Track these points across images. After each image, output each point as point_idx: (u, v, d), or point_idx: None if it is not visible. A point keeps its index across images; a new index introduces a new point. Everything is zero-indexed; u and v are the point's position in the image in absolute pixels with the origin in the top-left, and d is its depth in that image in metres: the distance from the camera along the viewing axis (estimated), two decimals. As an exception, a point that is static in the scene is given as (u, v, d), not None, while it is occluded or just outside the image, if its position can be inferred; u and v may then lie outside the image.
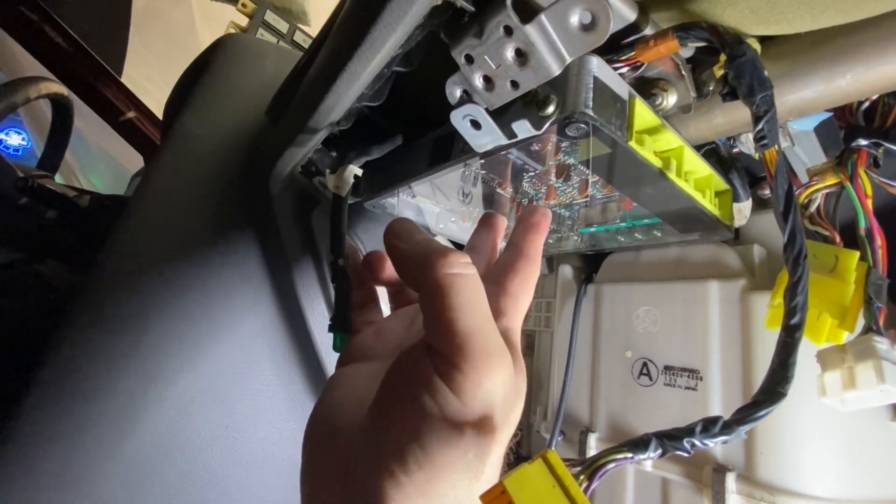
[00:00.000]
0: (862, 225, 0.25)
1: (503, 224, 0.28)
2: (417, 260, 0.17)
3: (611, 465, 0.17)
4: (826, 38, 0.22)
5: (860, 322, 0.24)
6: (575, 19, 0.16)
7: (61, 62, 0.92)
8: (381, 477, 0.15)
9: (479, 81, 0.19)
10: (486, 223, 0.27)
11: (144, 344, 0.37)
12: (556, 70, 0.17)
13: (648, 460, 0.17)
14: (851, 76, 0.22)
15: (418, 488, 0.14)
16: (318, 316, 0.41)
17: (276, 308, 0.41)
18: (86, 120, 0.99)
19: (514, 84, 0.18)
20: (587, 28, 0.16)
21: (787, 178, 0.19)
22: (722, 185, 0.29)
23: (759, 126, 0.19)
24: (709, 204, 0.28)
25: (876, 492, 0.28)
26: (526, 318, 0.51)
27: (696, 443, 0.17)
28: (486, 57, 0.18)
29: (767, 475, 0.28)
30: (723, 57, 0.20)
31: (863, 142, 0.26)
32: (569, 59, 0.17)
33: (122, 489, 0.36)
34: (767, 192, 0.37)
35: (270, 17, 0.61)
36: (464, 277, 0.16)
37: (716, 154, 0.32)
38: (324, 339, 0.41)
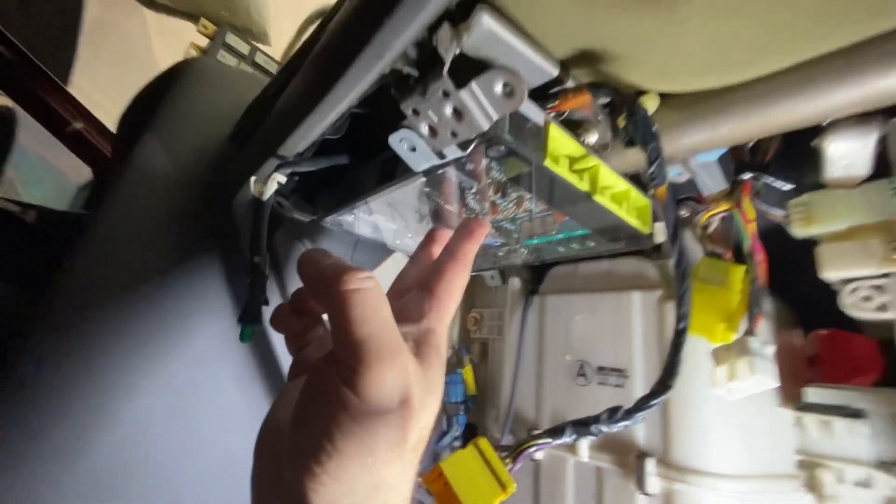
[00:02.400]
0: (745, 245, 0.31)
1: (447, 237, 0.30)
2: (322, 281, 0.19)
3: (533, 449, 0.20)
4: (710, 95, 0.27)
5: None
6: (498, 88, 0.20)
7: (1, 69, 0.89)
8: (302, 475, 0.17)
9: (424, 129, 0.23)
10: (430, 237, 0.29)
11: (101, 365, 0.38)
12: (486, 126, 0.21)
13: (564, 444, 0.21)
14: (730, 126, 0.27)
15: (332, 476, 0.17)
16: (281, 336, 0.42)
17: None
18: (27, 130, 0.95)
19: (454, 134, 0.22)
20: (508, 95, 0.20)
21: (674, 210, 0.24)
22: (642, 199, 0.34)
23: (651, 169, 0.24)
24: (627, 215, 0.32)
25: (767, 467, 0.33)
26: (480, 327, 0.55)
27: (603, 428, 0.21)
28: (429, 112, 0.22)
29: (680, 458, 0.33)
30: (623, 115, 0.24)
31: (746, 175, 0.32)
32: (495, 118, 0.21)
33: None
34: (683, 211, 0.43)
35: (231, 38, 0.62)
36: (360, 292, 0.18)
37: (637, 179, 0.37)
38: (287, 356, 0.43)
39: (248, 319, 0.28)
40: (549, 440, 0.21)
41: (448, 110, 0.21)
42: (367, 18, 0.17)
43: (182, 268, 0.42)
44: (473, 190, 0.35)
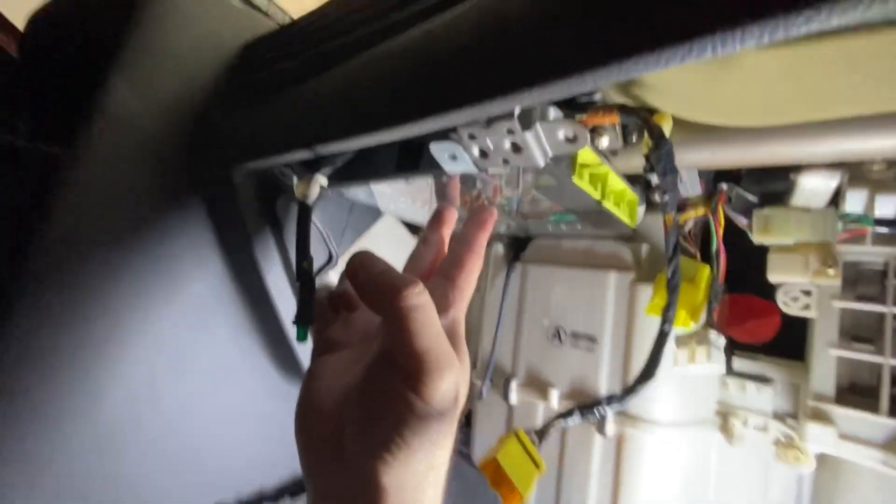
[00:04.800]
0: (713, 246, 0.36)
1: (454, 217, 0.32)
2: (378, 293, 0.21)
3: (552, 430, 0.26)
4: (713, 127, 0.30)
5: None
6: (561, 134, 0.21)
7: None
8: (374, 460, 0.20)
9: (475, 151, 0.24)
10: (438, 218, 0.31)
11: (90, 327, 0.37)
12: (542, 163, 0.23)
13: (572, 424, 0.27)
14: (728, 154, 0.31)
15: (401, 462, 0.20)
16: (284, 299, 0.42)
17: (238, 287, 0.43)
18: None
19: (506, 161, 0.24)
20: (570, 140, 0.22)
21: (675, 234, 0.28)
22: (632, 195, 0.38)
23: (665, 198, 0.27)
24: (621, 213, 0.36)
25: (695, 415, 0.42)
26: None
27: (603, 411, 0.27)
28: (487, 139, 0.23)
29: (634, 409, 0.41)
30: (647, 141, 0.27)
31: (724, 185, 0.36)
32: (551, 155, 0.23)
33: (94, 458, 0.38)
34: (657, 197, 0.48)
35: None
36: (418, 307, 0.20)
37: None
38: (287, 311, 0.44)
39: (304, 321, 0.30)
40: (563, 421, 0.26)
41: (507, 144, 0.22)
42: (540, 64, 0.15)
43: (169, 223, 0.41)
44: (485, 179, 0.37)
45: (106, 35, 0.42)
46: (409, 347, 0.20)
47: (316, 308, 0.29)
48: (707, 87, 0.24)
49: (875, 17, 0.11)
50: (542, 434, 0.25)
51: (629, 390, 0.27)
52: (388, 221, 0.51)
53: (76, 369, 0.37)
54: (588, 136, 0.21)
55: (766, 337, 0.41)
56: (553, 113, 0.21)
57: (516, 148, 0.22)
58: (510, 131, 0.21)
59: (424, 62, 0.20)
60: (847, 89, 0.21)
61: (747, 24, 0.11)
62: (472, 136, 0.23)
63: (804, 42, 0.18)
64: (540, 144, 0.22)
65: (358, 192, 0.47)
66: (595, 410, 0.27)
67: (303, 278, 0.30)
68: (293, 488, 0.51)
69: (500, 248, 0.53)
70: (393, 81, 0.21)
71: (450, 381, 0.21)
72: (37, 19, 0.61)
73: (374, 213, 0.50)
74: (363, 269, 0.22)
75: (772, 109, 0.24)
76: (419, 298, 0.20)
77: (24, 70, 0.64)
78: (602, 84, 0.14)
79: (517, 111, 0.21)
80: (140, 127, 0.40)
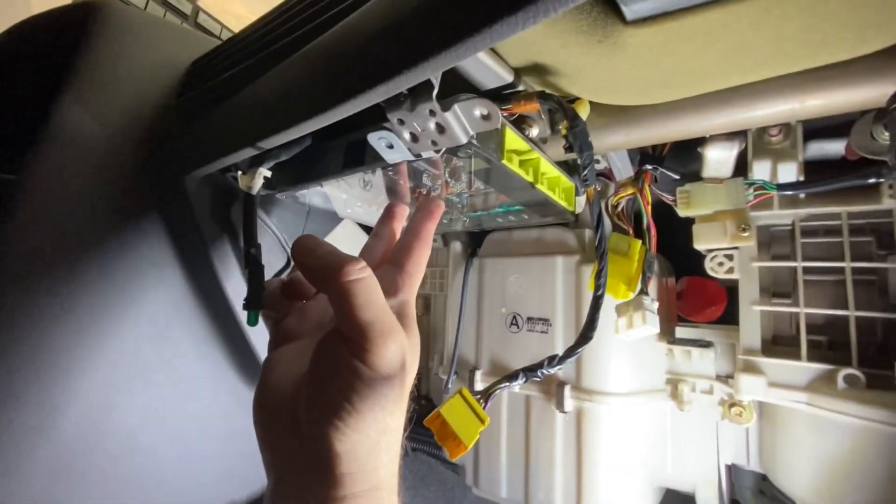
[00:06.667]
0: (644, 221, 0.39)
1: (405, 212, 0.34)
2: (322, 272, 0.22)
3: (496, 391, 0.27)
4: (627, 109, 0.33)
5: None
6: (477, 112, 0.24)
7: None
8: (325, 426, 0.22)
9: (407, 136, 0.26)
10: (388, 213, 0.33)
11: (45, 345, 0.37)
12: (464, 140, 0.25)
13: (518, 386, 0.28)
14: (640, 133, 0.34)
15: (352, 428, 0.22)
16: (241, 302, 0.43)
17: (198, 299, 0.43)
18: None
19: (434, 143, 0.26)
20: (485, 118, 0.24)
21: (598, 205, 0.31)
22: (568, 182, 0.41)
23: (584, 173, 0.30)
24: (557, 197, 0.39)
25: (646, 384, 0.45)
26: (423, 284, 0.60)
27: (545, 371, 0.29)
28: (414, 123, 0.25)
29: (588, 384, 0.43)
30: (565, 123, 0.30)
31: (648, 166, 0.40)
32: (472, 134, 0.25)
33: (53, 481, 0.37)
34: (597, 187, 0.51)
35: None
36: (360, 281, 0.21)
37: (565, 164, 0.44)
38: (244, 316, 0.45)
39: (253, 305, 0.31)
40: (507, 383, 0.28)
41: (432, 125, 0.25)
42: (416, 46, 0.18)
43: (126, 238, 0.41)
44: (430, 173, 0.39)
45: (56, 61, 0.44)
46: (353, 320, 0.21)
47: (270, 299, 0.30)
48: (605, 70, 0.27)
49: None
50: (486, 394, 0.26)
51: (568, 352, 0.29)
52: (346, 226, 0.53)
53: (33, 385, 0.36)
54: (499, 112, 0.24)
55: (717, 316, 0.45)
56: (465, 95, 0.24)
57: (441, 129, 0.25)
58: (432, 112, 0.24)
59: (338, 53, 0.22)
60: (718, 60, 0.24)
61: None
62: (401, 121, 0.25)
63: (671, 17, 0.21)
64: (460, 123, 0.24)
65: (314, 198, 0.48)
66: (538, 372, 0.29)
67: (251, 265, 0.32)
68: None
69: (458, 246, 0.55)
70: (313, 74, 0.24)
71: (394, 349, 0.22)
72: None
73: (332, 218, 0.52)
74: (308, 251, 0.23)
75: (664, 85, 0.28)
76: (361, 273, 0.22)
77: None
78: (479, 50, 0.17)
79: (435, 92, 0.23)
80: (95, 147, 0.40)
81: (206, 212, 0.40)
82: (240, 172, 0.33)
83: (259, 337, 0.46)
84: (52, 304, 0.38)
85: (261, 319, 0.33)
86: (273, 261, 0.46)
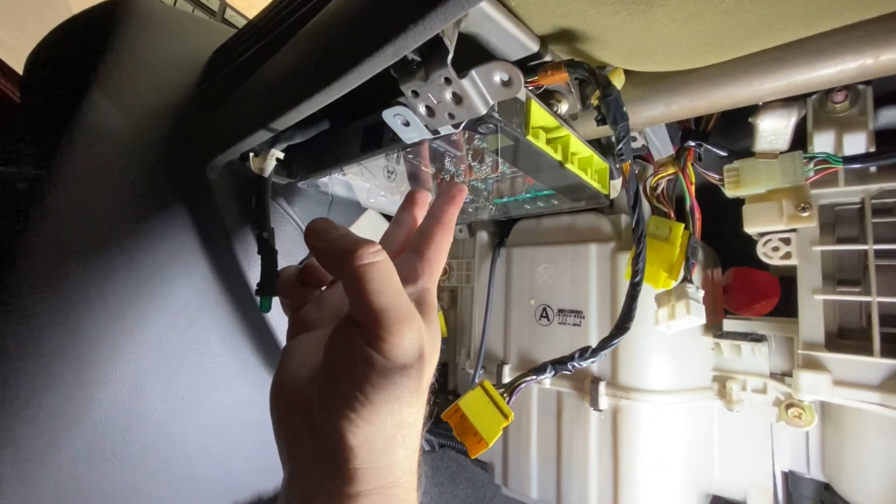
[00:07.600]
0: (687, 204, 0.36)
1: (427, 199, 0.32)
2: (335, 256, 0.21)
3: (522, 385, 0.25)
4: (667, 76, 0.30)
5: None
6: (497, 77, 0.22)
7: None
8: (338, 419, 0.20)
9: (422, 110, 0.24)
10: (410, 199, 0.31)
11: (77, 333, 0.38)
12: (483, 111, 0.23)
13: (547, 379, 0.26)
14: (682, 103, 0.31)
15: (366, 420, 0.20)
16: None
17: (223, 289, 0.43)
18: None
19: (451, 115, 0.24)
20: (506, 84, 0.22)
21: (635, 182, 0.28)
22: (601, 163, 0.38)
23: (619, 147, 0.27)
24: (590, 179, 0.36)
25: (690, 382, 0.41)
26: (450, 276, 0.59)
27: (576, 364, 0.26)
28: (429, 94, 0.23)
29: (625, 380, 0.40)
30: (597, 93, 0.27)
31: (691, 143, 0.36)
32: (492, 103, 0.23)
33: (84, 466, 0.38)
34: (636, 169, 0.48)
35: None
36: (374, 265, 0.20)
37: (598, 143, 0.41)
38: (272, 312, 0.44)
39: (266, 291, 0.30)
40: (534, 377, 0.25)
41: (448, 95, 0.23)
42: (405, 9, 0.17)
43: (153, 229, 0.42)
44: (452, 155, 0.37)
45: (87, 57, 0.45)
46: (367, 305, 0.20)
47: (285, 286, 0.29)
48: (641, 29, 0.24)
49: None
50: (510, 387, 0.24)
51: (602, 344, 0.27)
52: (370, 216, 0.51)
53: (64, 376, 0.37)
54: (521, 75, 0.21)
55: (769, 310, 0.41)
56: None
57: (458, 99, 0.23)
58: (447, 80, 0.22)
59: (343, 21, 0.21)
60: (778, 5, 0.21)
61: None
62: (415, 93, 0.24)
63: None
64: (478, 90, 0.22)
65: (337, 187, 0.47)
66: (569, 365, 0.26)
67: (263, 249, 0.31)
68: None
69: (484, 236, 0.53)
70: (321, 45, 0.23)
71: (410, 338, 0.21)
72: (31, 60, 0.64)
73: (356, 208, 0.51)
74: (321, 233, 0.22)
75: (711, 43, 0.24)
76: (375, 257, 0.20)
77: (24, 110, 0.67)
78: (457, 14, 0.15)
79: (450, 57, 0.21)
80: (122, 138, 0.41)
81: (229, 200, 0.40)
82: (252, 154, 0.33)
83: (282, 326, 0.46)
84: (84, 294, 0.39)
85: (280, 308, 0.32)
86: (295, 250, 0.45)
